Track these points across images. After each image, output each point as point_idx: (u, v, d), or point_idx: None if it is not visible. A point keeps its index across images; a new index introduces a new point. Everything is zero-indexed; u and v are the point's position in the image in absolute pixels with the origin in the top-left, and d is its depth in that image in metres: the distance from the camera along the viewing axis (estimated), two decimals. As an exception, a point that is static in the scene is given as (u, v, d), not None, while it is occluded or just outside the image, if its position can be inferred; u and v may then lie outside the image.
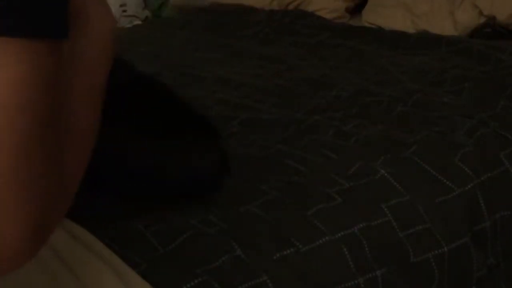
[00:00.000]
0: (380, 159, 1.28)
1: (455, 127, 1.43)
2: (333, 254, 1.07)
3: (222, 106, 1.55)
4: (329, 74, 1.77)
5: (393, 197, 1.20)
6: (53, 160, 0.57)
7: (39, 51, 0.53)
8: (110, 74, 0.69)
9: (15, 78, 0.52)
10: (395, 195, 1.20)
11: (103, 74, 0.67)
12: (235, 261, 1.00)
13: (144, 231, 1.02)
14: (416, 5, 2.29)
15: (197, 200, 1.11)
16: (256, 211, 1.10)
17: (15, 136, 0.53)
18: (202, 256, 0.99)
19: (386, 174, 1.23)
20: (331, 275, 1.05)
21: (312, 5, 2.46)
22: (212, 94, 1.63)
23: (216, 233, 1.04)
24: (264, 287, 0.98)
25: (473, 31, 2.18)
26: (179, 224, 1.05)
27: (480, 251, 1.25)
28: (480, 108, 1.52)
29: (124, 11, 2.77)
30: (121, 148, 1.06)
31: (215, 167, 1.12)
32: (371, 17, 2.38)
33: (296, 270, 1.03)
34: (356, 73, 1.78)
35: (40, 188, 0.57)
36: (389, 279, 1.10)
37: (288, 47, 2.06)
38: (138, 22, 2.76)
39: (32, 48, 0.53)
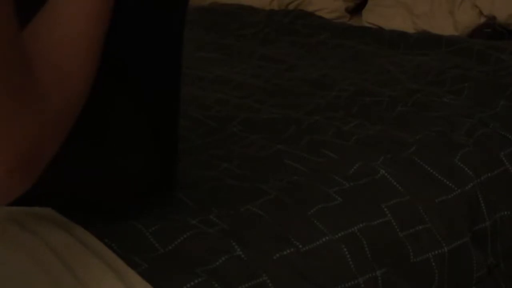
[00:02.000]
0: (380, 159, 1.28)
1: (455, 127, 1.43)
2: (333, 254, 1.07)
3: (222, 106, 1.55)
4: (329, 74, 1.77)
5: (393, 197, 1.20)
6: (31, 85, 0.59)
7: None
8: None
9: None
10: (395, 195, 1.20)
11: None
12: (235, 261, 1.00)
13: (144, 231, 1.02)
14: (416, 5, 2.29)
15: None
16: (256, 211, 1.10)
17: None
18: (202, 256, 0.99)
19: (386, 174, 1.23)
20: (331, 275, 1.05)
21: (312, 5, 2.46)
22: (212, 94, 1.63)
23: (216, 233, 1.04)
24: (264, 287, 0.98)
25: (473, 31, 2.18)
26: (179, 224, 1.04)
27: (480, 251, 1.25)
28: (480, 108, 1.52)
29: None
30: None
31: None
32: (371, 17, 2.38)
33: (296, 270, 1.03)
34: (356, 73, 1.78)
35: (25, 118, 0.58)
36: (389, 279, 1.10)
37: (288, 47, 2.06)
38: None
39: None
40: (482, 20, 2.18)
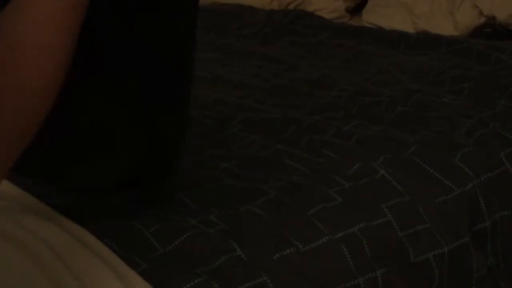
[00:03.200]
0: (380, 159, 1.28)
1: (455, 127, 1.43)
2: (333, 254, 1.07)
3: (222, 106, 1.55)
4: (329, 74, 1.77)
5: (393, 197, 1.20)
6: None
7: None
8: None
9: None
10: (395, 195, 1.20)
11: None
12: (235, 261, 1.00)
13: (144, 231, 1.02)
14: (416, 5, 2.29)
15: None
16: (256, 211, 1.10)
17: None
18: (202, 256, 0.99)
19: (386, 174, 1.23)
20: (331, 275, 1.05)
21: (312, 5, 2.46)
22: (212, 94, 1.63)
23: (216, 233, 1.04)
24: (264, 287, 0.98)
25: (473, 31, 2.18)
26: (179, 224, 1.05)
27: (480, 251, 1.25)
28: (480, 108, 1.52)
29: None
30: None
31: None
32: (371, 17, 2.38)
33: (296, 270, 1.03)
34: (356, 73, 1.78)
35: None
36: (389, 279, 1.10)
37: (288, 47, 2.06)
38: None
39: None
40: (482, 20, 2.18)
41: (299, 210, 1.12)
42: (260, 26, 2.23)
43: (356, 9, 2.50)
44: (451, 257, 1.18)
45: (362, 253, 1.10)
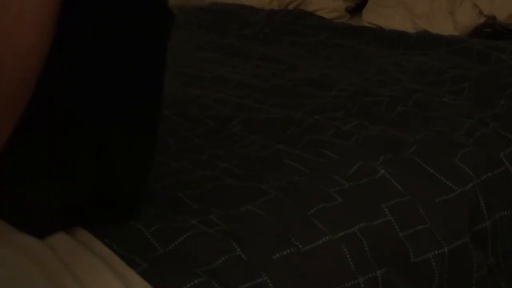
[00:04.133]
0: (380, 159, 1.28)
1: (455, 127, 1.43)
2: (333, 254, 1.07)
3: (222, 106, 1.55)
4: (329, 74, 1.77)
5: (393, 197, 1.20)
6: None
7: None
8: None
9: None
10: (395, 195, 1.20)
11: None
12: (235, 261, 1.00)
13: (144, 231, 1.02)
14: (416, 5, 2.29)
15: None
16: (256, 211, 1.10)
17: None
18: (202, 256, 0.99)
19: (386, 174, 1.23)
20: (331, 275, 1.05)
21: (312, 5, 2.47)
22: (212, 94, 1.63)
23: (216, 233, 1.04)
24: (264, 287, 0.98)
25: (473, 31, 2.18)
26: (179, 224, 1.05)
27: (480, 251, 1.25)
28: (480, 108, 1.52)
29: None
30: None
31: None
32: (371, 17, 2.38)
33: (296, 270, 1.03)
34: (356, 73, 1.78)
35: None
36: (389, 279, 1.10)
37: (288, 47, 2.06)
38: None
39: None
40: (482, 20, 2.18)
41: (299, 210, 1.12)
42: (260, 26, 2.24)
43: (356, 9, 2.50)
44: (451, 257, 1.18)
45: (362, 253, 1.10)
